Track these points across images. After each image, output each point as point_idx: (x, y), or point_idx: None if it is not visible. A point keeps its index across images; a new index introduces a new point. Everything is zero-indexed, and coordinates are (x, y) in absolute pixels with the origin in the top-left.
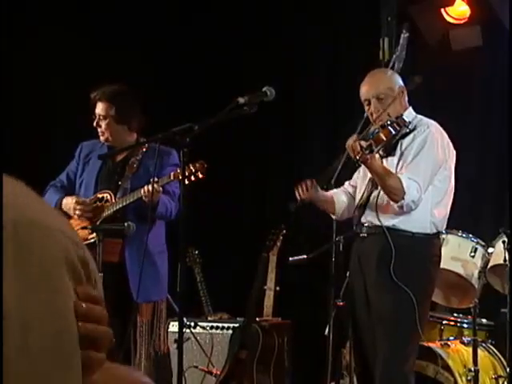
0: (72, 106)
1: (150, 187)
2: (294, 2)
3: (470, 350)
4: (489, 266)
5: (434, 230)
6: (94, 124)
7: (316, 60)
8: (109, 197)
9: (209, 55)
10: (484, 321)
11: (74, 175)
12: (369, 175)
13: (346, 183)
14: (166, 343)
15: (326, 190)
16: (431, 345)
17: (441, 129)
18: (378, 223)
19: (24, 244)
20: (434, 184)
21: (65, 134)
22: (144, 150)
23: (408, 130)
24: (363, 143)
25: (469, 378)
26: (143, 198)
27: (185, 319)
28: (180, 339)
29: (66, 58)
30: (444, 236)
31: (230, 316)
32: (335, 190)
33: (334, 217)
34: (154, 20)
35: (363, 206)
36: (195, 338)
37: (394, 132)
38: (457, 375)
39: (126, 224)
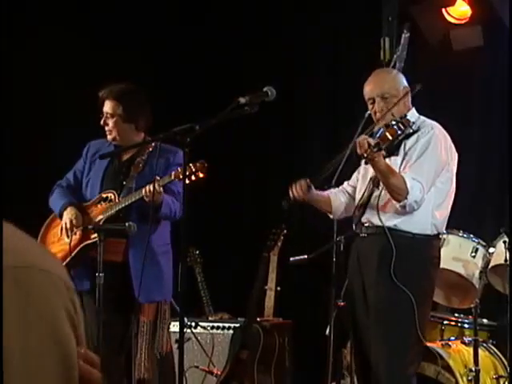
0: (72, 106)
1: (151, 187)
2: (293, 2)
3: (471, 350)
4: (490, 266)
5: (435, 232)
6: (102, 122)
7: (316, 60)
8: (113, 197)
9: (209, 55)
10: (485, 321)
11: (80, 174)
12: (369, 175)
13: (345, 183)
14: (169, 344)
15: (326, 189)
16: (432, 345)
17: (444, 131)
18: (378, 223)
19: (24, 287)
20: (435, 185)
21: (65, 134)
22: (150, 149)
23: (412, 131)
24: (371, 141)
25: (470, 378)
26: (145, 197)
27: (185, 319)
28: (181, 339)
29: (66, 58)
30: (445, 236)
31: (231, 316)
32: (332, 190)
33: (330, 216)
34: (154, 20)
35: (363, 206)
36: (196, 338)
37: (399, 132)
38: (458, 375)
39: (127, 224)
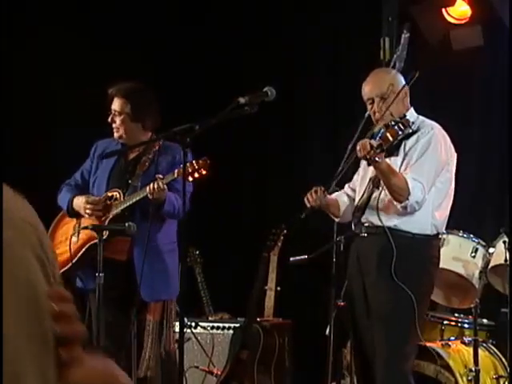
0: (72, 106)
1: (155, 185)
2: (294, 2)
3: (471, 350)
4: (490, 266)
5: (434, 232)
6: (109, 119)
7: (316, 60)
8: (118, 195)
9: (209, 55)
10: (485, 321)
11: (88, 174)
12: (369, 176)
13: (346, 186)
14: (174, 343)
15: (331, 193)
16: (432, 345)
17: (443, 131)
18: (378, 223)
19: None
20: (435, 185)
21: (65, 133)
22: (156, 148)
23: (411, 131)
24: (373, 142)
25: (470, 378)
26: (148, 195)
27: (186, 319)
28: (181, 339)
29: (66, 58)
30: (445, 236)
31: (231, 316)
32: (338, 193)
33: (337, 220)
34: (154, 20)
35: (363, 207)
36: (196, 338)
37: (399, 132)
38: (457, 375)
39: (126, 224)
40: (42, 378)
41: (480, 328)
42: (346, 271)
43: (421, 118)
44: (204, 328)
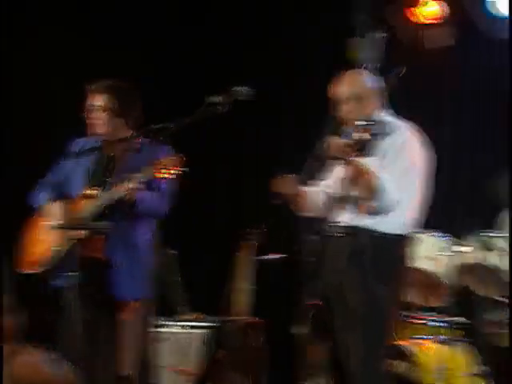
0: (72, 106)
1: (125, 184)
2: (293, 2)
3: (444, 348)
4: (462, 265)
5: (406, 232)
6: (85, 114)
7: (316, 60)
8: (95, 193)
9: (209, 55)
10: (459, 319)
11: (65, 171)
12: (342, 175)
13: (320, 182)
14: (150, 343)
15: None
16: (404, 343)
17: (418, 131)
18: (352, 223)
19: None
20: (408, 186)
21: (65, 133)
22: (137, 146)
23: (385, 131)
24: (345, 141)
25: (440, 375)
26: (116, 196)
27: (161, 318)
28: (156, 339)
29: (66, 58)
30: (418, 235)
31: (206, 316)
32: (309, 188)
33: (308, 214)
34: (154, 20)
35: (337, 206)
36: (171, 338)
37: (372, 132)
38: (429, 373)
39: (99, 223)
40: None
41: (454, 326)
42: (320, 270)
43: (395, 118)
44: (179, 327)
